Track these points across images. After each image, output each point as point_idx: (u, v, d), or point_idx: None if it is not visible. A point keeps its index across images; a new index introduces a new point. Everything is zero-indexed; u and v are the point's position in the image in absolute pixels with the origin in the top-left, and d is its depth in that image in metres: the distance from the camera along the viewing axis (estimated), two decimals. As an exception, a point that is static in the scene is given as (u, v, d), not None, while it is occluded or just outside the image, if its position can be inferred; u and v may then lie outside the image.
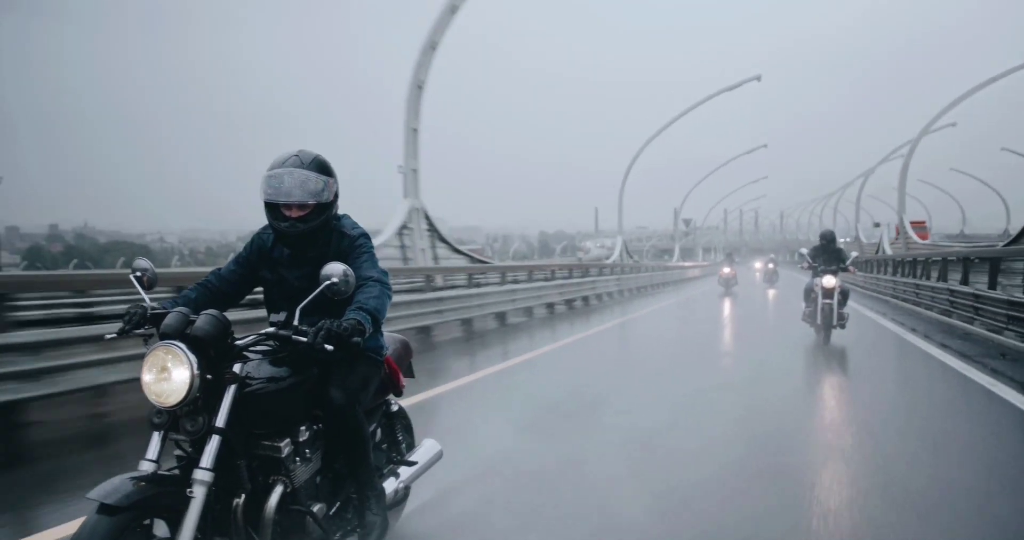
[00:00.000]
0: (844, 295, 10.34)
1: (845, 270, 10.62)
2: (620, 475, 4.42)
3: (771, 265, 31.35)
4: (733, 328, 15.21)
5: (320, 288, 2.49)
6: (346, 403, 2.73)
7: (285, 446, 2.52)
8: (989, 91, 33.25)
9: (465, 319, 12.37)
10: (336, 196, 2.82)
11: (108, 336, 2.62)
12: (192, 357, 2.27)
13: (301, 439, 2.62)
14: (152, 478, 2.21)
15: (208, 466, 2.25)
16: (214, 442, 2.29)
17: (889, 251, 36.98)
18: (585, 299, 20.21)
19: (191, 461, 2.31)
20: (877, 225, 57.87)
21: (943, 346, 10.25)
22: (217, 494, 2.32)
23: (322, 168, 2.75)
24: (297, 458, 2.59)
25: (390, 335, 3.36)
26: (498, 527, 3.55)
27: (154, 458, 2.27)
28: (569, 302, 18.83)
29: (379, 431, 3.29)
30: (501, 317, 14.10)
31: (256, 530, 2.43)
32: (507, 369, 8.84)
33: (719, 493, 4.07)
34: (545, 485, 4.20)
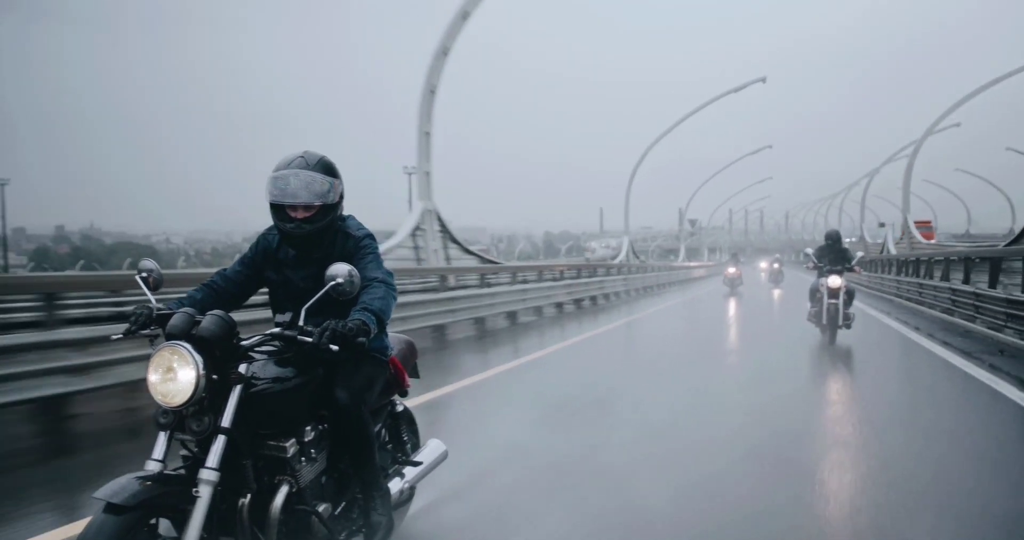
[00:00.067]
0: (849, 295, 10.28)
1: (851, 270, 10.50)
2: (635, 467, 4.53)
3: (776, 265, 31.23)
4: (738, 327, 15.23)
5: (325, 289, 2.50)
6: (351, 403, 2.72)
7: (290, 446, 2.52)
8: (993, 91, 33.21)
9: (477, 318, 12.50)
10: (341, 197, 2.83)
11: (114, 337, 2.62)
12: (198, 357, 2.27)
13: (306, 439, 2.61)
14: (158, 478, 2.21)
15: (214, 466, 2.26)
16: (220, 442, 2.29)
17: (894, 251, 36.88)
18: (593, 299, 20.38)
19: (197, 461, 2.31)
20: (882, 225, 57.69)
21: (945, 344, 10.28)
22: (223, 494, 2.32)
23: (327, 169, 2.76)
24: (303, 458, 2.59)
25: (395, 335, 3.37)
26: (511, 523, 3.61)
27: (160, 458, 2.27)
28: (578, 301, 19.02)
29: (384, 431, 3.29)
30: (512, 316, 14.22)
31: (261, 530, 2.43)
32: (519, 366, 8.91)
33: (731, 482, 4.21)
34: (563, 476, 4.35)
